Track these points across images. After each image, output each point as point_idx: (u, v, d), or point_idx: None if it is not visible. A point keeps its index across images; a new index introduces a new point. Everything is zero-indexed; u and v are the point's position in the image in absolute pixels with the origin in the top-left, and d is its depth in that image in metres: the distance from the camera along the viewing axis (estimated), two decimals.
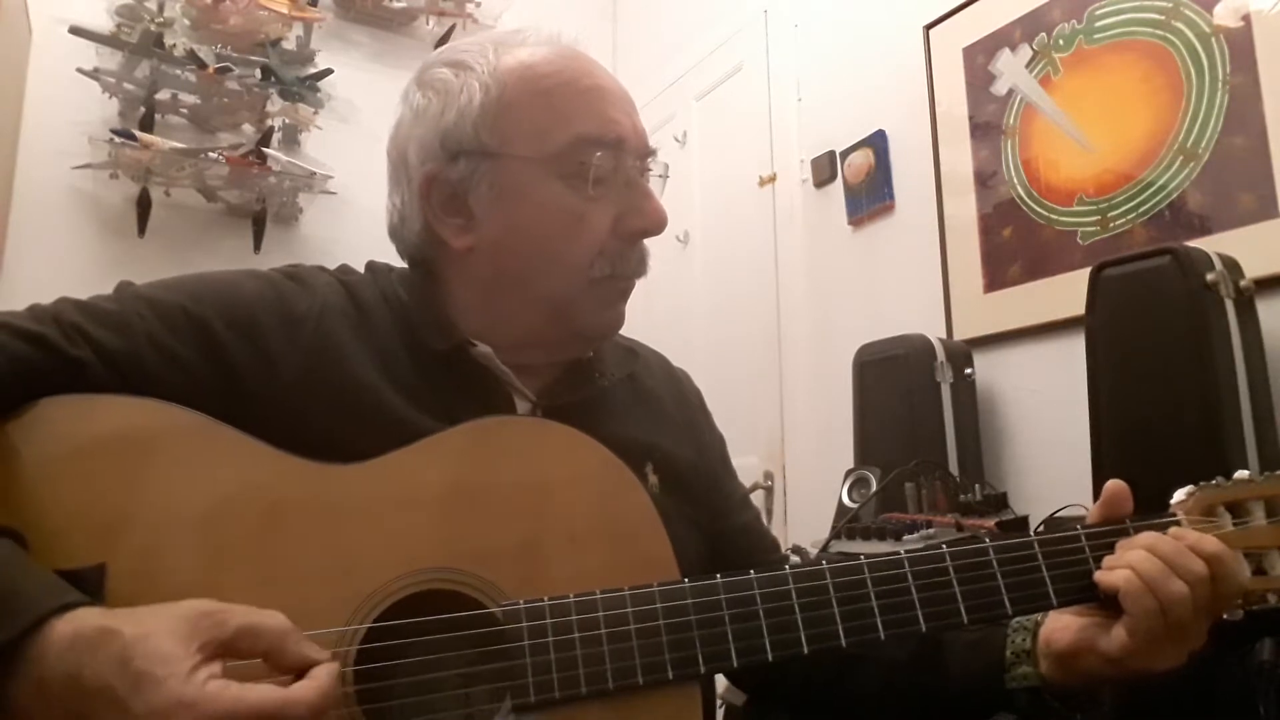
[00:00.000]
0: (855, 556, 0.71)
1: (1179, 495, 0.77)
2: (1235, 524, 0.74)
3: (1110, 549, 0.72)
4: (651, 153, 0.83)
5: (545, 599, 0.66)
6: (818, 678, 0.85)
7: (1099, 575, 0.70)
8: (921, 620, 0.69)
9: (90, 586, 0.59)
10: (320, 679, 0.56)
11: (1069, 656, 0.74)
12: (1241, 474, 0.75)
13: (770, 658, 0.67)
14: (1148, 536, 0.71)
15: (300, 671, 0.57)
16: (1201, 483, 0.76)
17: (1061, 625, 0.75)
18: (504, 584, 0.67)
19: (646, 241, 0.83)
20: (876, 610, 0.69)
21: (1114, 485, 0.75)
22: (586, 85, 0.80)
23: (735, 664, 0.67)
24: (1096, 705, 0.77)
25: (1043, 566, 0.72)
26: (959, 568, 0.71)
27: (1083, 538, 0.73)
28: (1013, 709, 0.77)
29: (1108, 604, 0.70)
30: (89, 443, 0.65)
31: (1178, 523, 0.74)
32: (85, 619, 0.54)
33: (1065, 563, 0.72)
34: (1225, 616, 0.71)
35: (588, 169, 0.77)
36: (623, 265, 0.81)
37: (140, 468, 0.65)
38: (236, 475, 0.66)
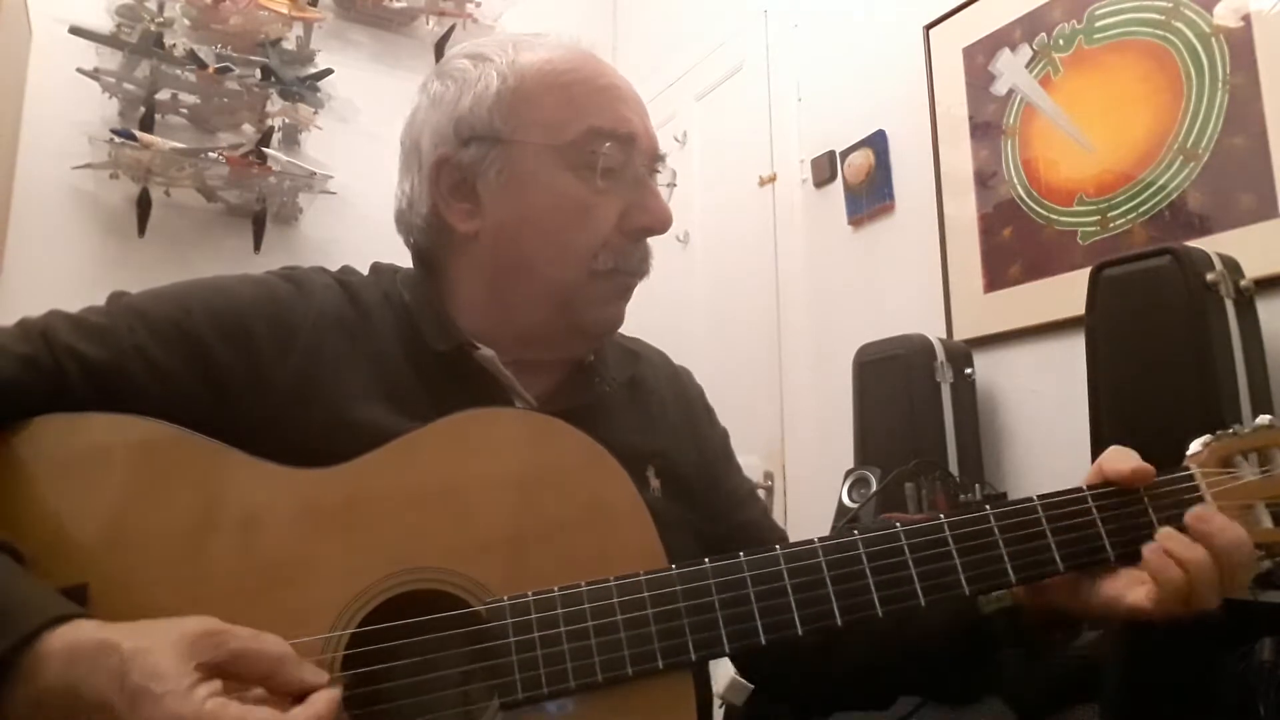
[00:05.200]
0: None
1: (1194, 446, 0.73)
2: (1259, 472, 0.70)
3: (1113, 511, 0.70)
4: (661, 157, 0.84)
5: (529, 594, 0.65)
6: (806, 653, 0.82)
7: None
8: (920, 594, 0.67)
9: None
10: (319, 705, 0.56)
11: (1053, 588, 0.71)
12: (1263, 419, 0.72)
13: (764, 641, 0.66)
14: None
15: (298, 697, 0.56)
16: (1219, 432, 0.72)
17: None
18: (489, 580, 0.66)
19: (649, 242, 0.83)
20: (873, 587, 0.67)
21: (1114, 453, 0.72)
22: (603, 84, 0.82)
23: (728, 650, 0.66)
24: (1075, 634, 0.76)
25: (1048, 533, 0.69)
26: (958, 538, 0.69)
27: (1088, 499, 0.71)
28: (991, 637, 0.75)
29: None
30: (73, 462, 0.65)
31: (1191, 477, 0.71)
32: (82, 631, 0.54)
33: (1070, 527, 0.70)
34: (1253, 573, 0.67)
35: (597, 160, 0.78)
36: (625, 261, 0.81)
37: (123, 485, 0.65)
38: (217, 487, 0.66)
